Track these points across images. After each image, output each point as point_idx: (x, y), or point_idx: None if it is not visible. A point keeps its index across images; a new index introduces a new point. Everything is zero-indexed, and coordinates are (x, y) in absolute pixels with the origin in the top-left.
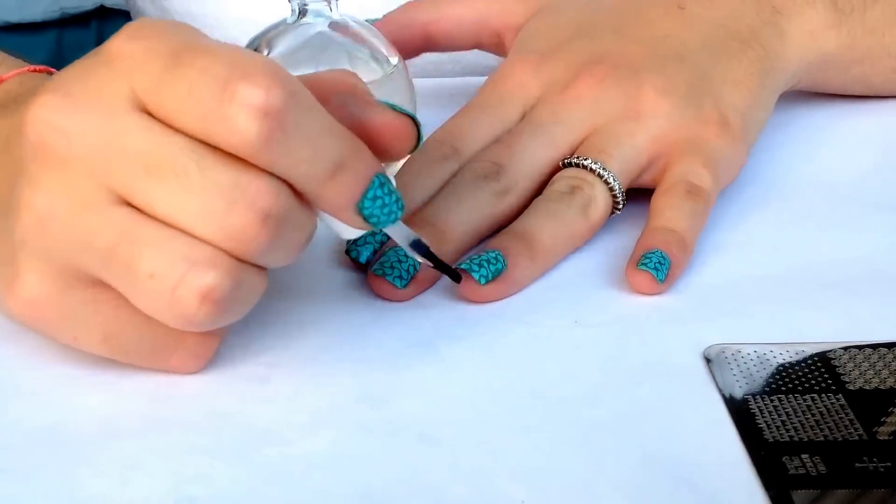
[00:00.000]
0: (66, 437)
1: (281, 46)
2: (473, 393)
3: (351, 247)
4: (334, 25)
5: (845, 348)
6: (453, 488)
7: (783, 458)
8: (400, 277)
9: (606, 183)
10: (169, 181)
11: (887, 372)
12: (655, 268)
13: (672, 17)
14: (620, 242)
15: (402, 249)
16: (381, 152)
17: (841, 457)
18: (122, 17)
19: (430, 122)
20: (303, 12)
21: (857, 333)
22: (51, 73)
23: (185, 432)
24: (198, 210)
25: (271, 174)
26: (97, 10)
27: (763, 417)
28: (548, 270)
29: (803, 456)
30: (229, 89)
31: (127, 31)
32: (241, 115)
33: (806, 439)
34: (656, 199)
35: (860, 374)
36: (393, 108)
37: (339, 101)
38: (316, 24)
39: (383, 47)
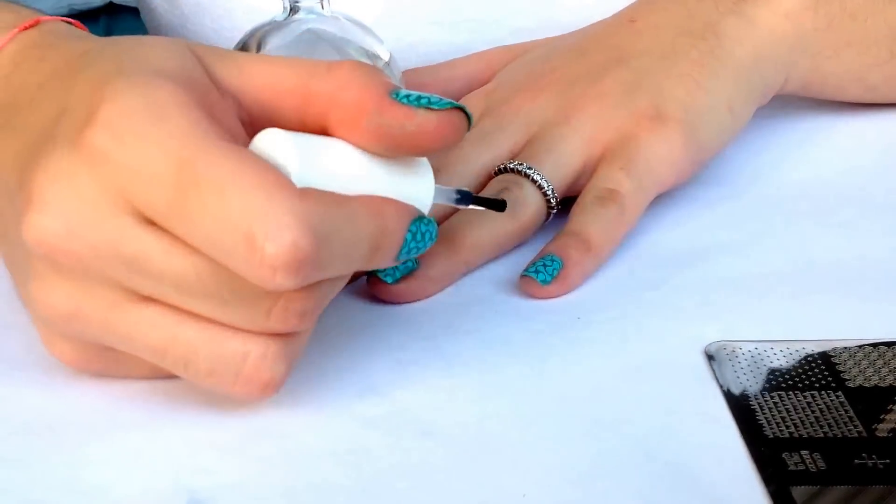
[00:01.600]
0: (67, 429)
1: (271, 44)
2: (475, 388)
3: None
4: (325, 22)
5: (845, 346)
6: (455, 483)
7: (783, 455)
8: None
9: (535, 183)
10: (201, 298)
11: (887, 370)
12: (538, 270)
13: (623, 30)
14: (625, 240)
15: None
16: (430, 151)
17: (840, 453)
18: (130, 13)
19: None
20: (294, 9)
21: (857, 331)
22: (53, 22)
23: (186, 425)
24: (236, 319)
25: None
26: (106, 7)
27: (763, 414)
28: (470, 270)
29: (803, 452)
30: (256, 250)
31: (106, 124)
32: (276, 276)
33: (806, 436)
34: (571, 209)
35: (860, 371)
36: (430, 105)
37: (371, 125)
38: (307, 21)
39: (374, 44)
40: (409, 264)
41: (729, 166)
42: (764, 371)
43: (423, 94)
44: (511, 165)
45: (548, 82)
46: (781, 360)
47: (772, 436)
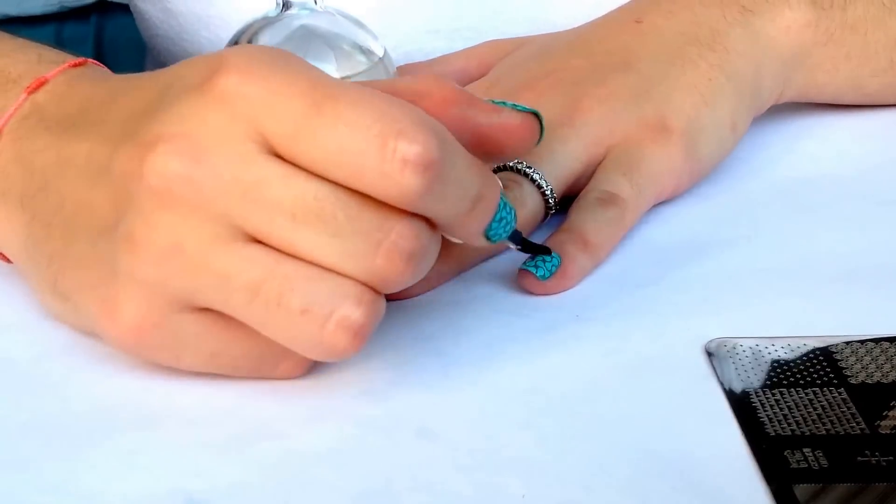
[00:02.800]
0: (63, 430)
1: (264, 40)
2: (474, 387)
3: None
4: (318, 17)
5: (847, 342)
6: (453, 483)
7: (785, 452)
8: None
9: (534, 182)
10: (315, 226)
11: (889, 366)
12: (536, 265)
13: (628, 30)
14: (624, 237)
15: None
16: (507, 153)
17: (843, 451)
18: (122, 11)
19: None
20: (287, 5)
21: (858, 327)
22: (97, 65)
23: (184, 427)
24: (343, 252)
25: (413, 214)
26: (97, 4)
27: (765, 411)
28: (466, 269)
29: (805, 450)
30: (388, 146)
31: (237, 66)
32: (405, 171)
33: (808, 433)
34: (570, 208)
35: (862, 367)
36: (514, 107)
37: (459, 113)
38: (300, 17)
39: (368, 39)
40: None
41: (728, 162)
42: (765, 368)
43: (498, 100)
44: (511, 164)
45: (552, 81)
46: (783, 356)
47: (773, 433)
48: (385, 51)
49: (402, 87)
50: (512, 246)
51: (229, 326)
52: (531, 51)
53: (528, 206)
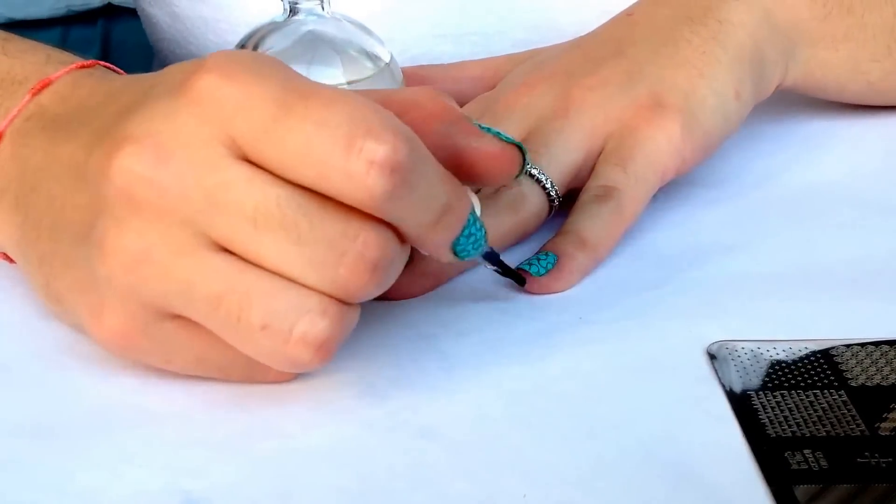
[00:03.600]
0: (60, 429)
1: (271, 45)
2: (475, 388)
3: None
4: (325, 23)
5: (847, 345)
6: (454, 483)
7: (785, 454)
8: None
9: (534, 177)
10: (276, 233)
11: (889, 369)
12: (530, 263)
13: (620, 23)
14: (627, 240)
15: None
16: (484, 179)
17: (843, 452)
18: (128, 15)
19: None
20: (294, 10)
21: (859, 331)
22: (107, 67)
23: (181, 425)
24: (306, 261)
25: (379, 222)
26: (104, 8)
27: (765, 413)
28: (469, 267)
29: (805, 451)
30: (355, 146)
31: (215, 68)
32: (371, 172)
33: (808, 435)
34: (571, 209)
35: (862, 370)
36: (499, 136)
37: (441, 130)
38: (306, 22)
39: (375, 45)
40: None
41: (731, 168)
42: (766, 370)
43: (490, 127)
44: None
45: (543, 76)
46: (783, 358)
47: (774, 435)
48: (391, 56)
49: (396, 97)
50: (488, 266)
51: (212, 334)
52: (543, 56)
53: (530, 202)
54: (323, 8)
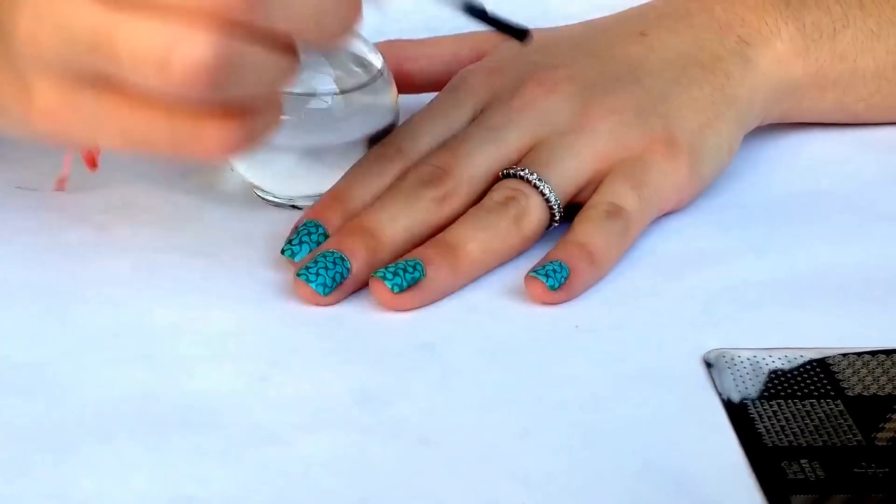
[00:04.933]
0: (64, 437)
1: None
2: (473, 396)
3: (286, 246)
4: None
5: (844, 354)
6: (452, 492)
7: (782, 463)
8: (324, 285)
9: (542, 194)
10: None
11: (885, 378)
12: (547, 274)
13: (633, 41)
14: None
15: (332, 255)
16: None
17: (840, 462)
18: None
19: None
20: None
21: (855, 340)
22: None
23: (182, 432)
24: None
25: None
26: None
27: (762, 422)
28: (471, 281)
29: (802, 461)
30: None
31: None
32: None
33: (805, 444)
34: (576, 218)
35: (859, 380)
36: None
37: None
38: None
39: (366, 51)
40: (416, 275)
41: (726, 176)
42: (763, 379)
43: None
44: (520, 173)
45: (559, 81)
46: (780, 367)
47: (771, 444)
48: (384, 62)
49: None
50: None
51: (130, 100)
52: (534, 40)
53: (534, 218)
54: None
